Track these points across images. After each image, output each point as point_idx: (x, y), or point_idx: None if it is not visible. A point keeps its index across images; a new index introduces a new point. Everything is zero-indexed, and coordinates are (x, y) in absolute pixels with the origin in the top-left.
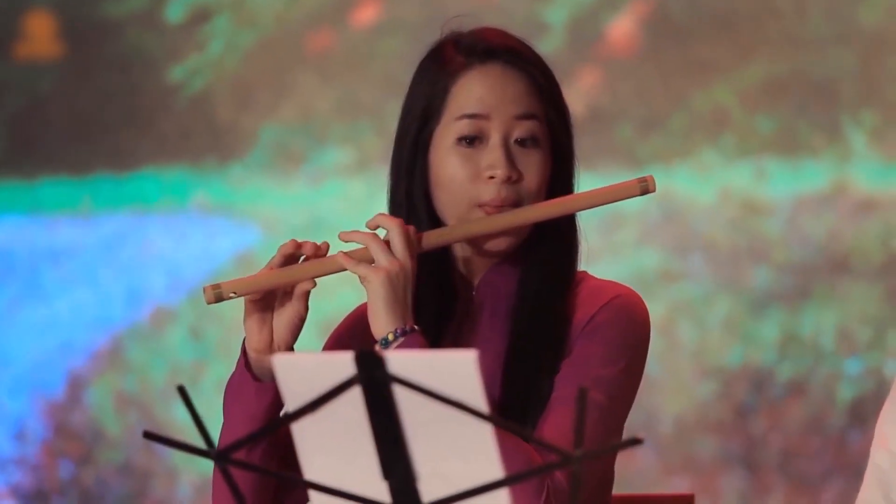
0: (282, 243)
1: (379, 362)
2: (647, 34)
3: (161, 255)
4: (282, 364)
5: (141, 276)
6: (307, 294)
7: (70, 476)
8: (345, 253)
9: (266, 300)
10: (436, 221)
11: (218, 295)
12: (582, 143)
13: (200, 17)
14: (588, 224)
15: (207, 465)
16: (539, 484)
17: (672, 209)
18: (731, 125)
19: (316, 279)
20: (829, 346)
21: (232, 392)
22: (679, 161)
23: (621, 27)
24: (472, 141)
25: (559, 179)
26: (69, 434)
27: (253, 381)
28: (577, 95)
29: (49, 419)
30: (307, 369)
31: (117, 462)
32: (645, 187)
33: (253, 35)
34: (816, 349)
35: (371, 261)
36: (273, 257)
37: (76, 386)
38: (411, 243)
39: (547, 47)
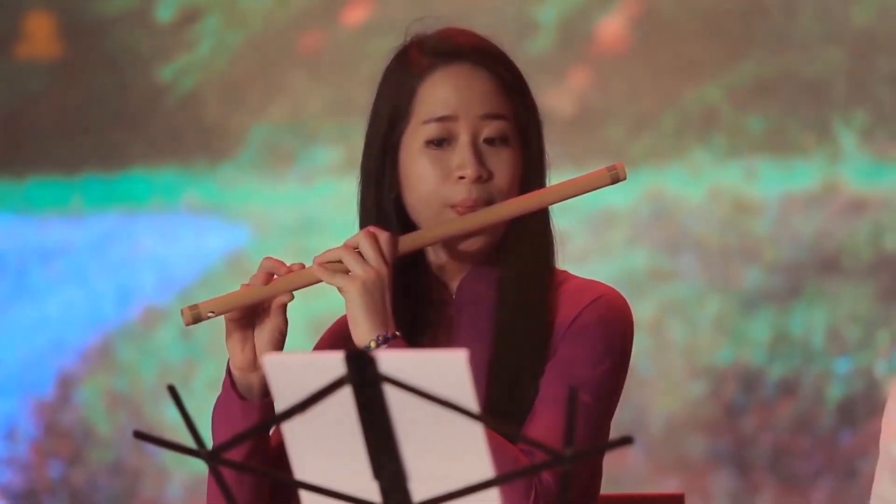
0: (264, 257)
1: (369, 362)
2: (638, 33)
3: (151, 255)
4: (272, 364)
5: (131, 275)
6: (284, 307)
7: (60, 476)
8: (320, 264)
9: (246, 318)
10: (407, 227)
11: (196, 315)
12: (572, 143)
13: (190, 17)
14: (578, 224)
15: (198, 465)
16: (527, 485)
17: (662, 208)
18: (721, 124)
19: (293, 292)
20: (819, 345)
21: (219, 412)
22: (669, 160)
23: (611, 26)
24: (440, 143)
25: (531, 178)
26: (59, 433)
27: (239, 399)
28: (568, 95)
29: (39, 419)
30: (298, 369)
31: (107, 462)
32: (615, 175)
33: (242, 35)
34: (806, 349)
35: (348, 272)
36: (254, 275)
37: (66, 385)
38: (384, 249)
39: (537, 47)
